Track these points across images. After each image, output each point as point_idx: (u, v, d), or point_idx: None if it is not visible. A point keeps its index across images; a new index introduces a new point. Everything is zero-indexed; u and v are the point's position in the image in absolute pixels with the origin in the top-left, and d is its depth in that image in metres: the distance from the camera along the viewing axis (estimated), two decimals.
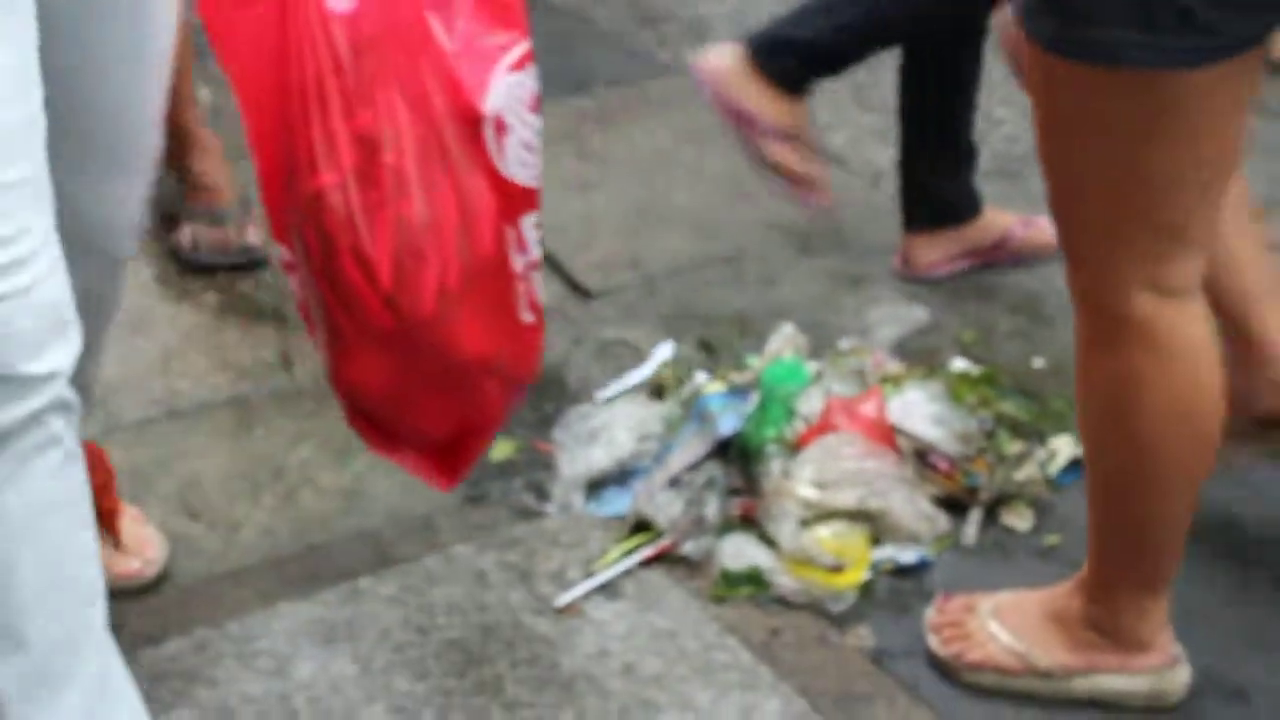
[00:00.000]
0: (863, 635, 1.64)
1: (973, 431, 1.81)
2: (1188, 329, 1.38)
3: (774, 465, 1.74)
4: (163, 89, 1.45)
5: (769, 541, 1.70)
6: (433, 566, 1.72)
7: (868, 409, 1.80)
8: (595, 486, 1.81)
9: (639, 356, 2.02)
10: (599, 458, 1.80)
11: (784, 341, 1.94)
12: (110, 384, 1.89)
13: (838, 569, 1.68)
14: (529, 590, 1.68)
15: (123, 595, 1.60)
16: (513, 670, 1.59)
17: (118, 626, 1.27)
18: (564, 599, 1.67)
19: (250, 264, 2.20)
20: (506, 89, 1.33)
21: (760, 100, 2.03)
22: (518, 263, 1.39)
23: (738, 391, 1.82)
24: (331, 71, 1.30)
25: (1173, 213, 1.34)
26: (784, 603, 1.67)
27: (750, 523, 1.73)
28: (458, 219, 1.34)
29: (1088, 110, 1.31)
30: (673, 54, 2.85)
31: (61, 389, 1.16)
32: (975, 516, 1.78)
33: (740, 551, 1.69)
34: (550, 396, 1.94)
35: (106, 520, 1.61)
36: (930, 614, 1.61)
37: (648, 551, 1.72)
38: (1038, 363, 2.02)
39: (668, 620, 1.65)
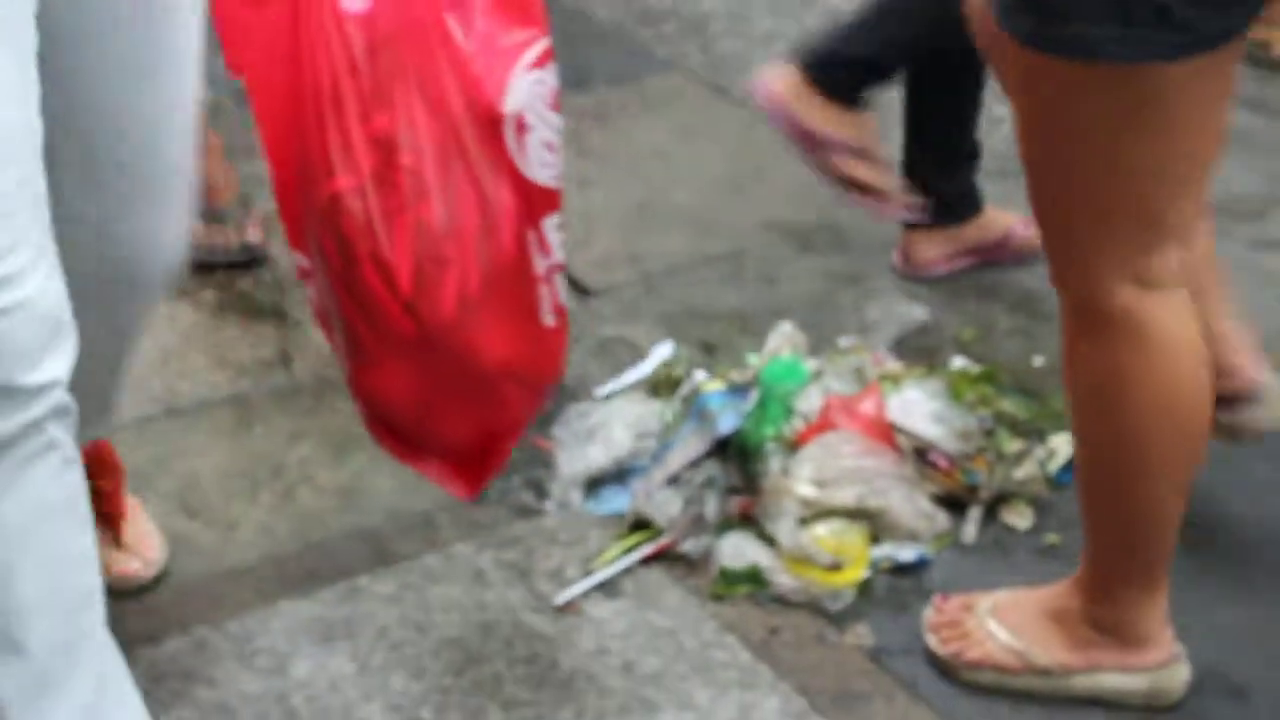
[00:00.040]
0: (861, 634, 1.64)
1: (972, 430, 1.81)
2: (1171, 321, 1.39)
3: (773, 463, 1.73)
4: (190, 114, 1.38)
5: (768, 540, 1.70)
6: (431, 565, 1.71)
7: (867, 407, 1.80)
8: (594, 484, 1.80)
9: (638, 354, 2.02)
10: (598, 456, 1.80)
11: (783, 340, 1.94)
12: None
13: (836, 567, 1.68)
14: (528, 588, 1.68)
15: (121, 594, 1.60)
16: (511, 668, 1.59)
17: (116, 625, 1.27)
18: (563, 597, 1.66)
19: (249, 262, 2.20)
20: (527, 87, 1.30)
21: (822, 117, 2.03)
22: (540, 265, 1.36)
23: (737, 390, 1.82)
24: (347, 73, 1.27)
25: (1153, 206, 1.34)
26: (783, 601, 1.67)
27: (749, 521, 1.73)
28: (478, 222, 1.31)
29: (1067, 105, 1.31)
30: (672, 51, 2.85)
31: (59, 396, 1.15)
32: (975, 515, 1.78)
33: (739, 550, 1.69)
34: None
35: (110, 519, 1.61)
36: (928, 614, 1.61)
37: (646, 550, 1.72)
38: (1037, 361, 2.02)
39: (666, 618, 1.65)
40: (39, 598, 1.17)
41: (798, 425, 1.78)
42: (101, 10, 1.29)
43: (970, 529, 1.77)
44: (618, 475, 1.80)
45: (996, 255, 2.20)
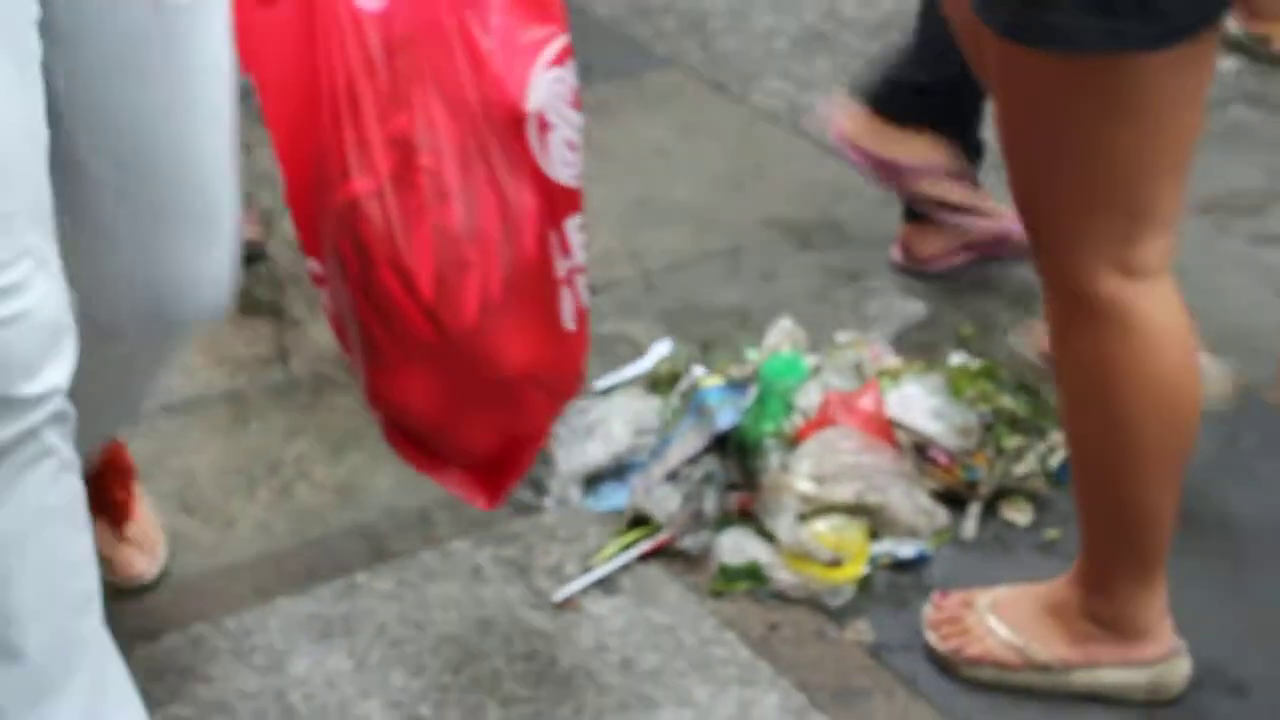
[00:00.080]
0: (861, 630, 1.63)
1: (972, 425, 1.80)
2: (1157, 309, 1.39)
3: (772, 459, 1.73)
4: (226, 133, 1.30)
5: (767, 536, 1.69)
6: (429, 561, 1.71)
7: (866, 403, 1.79)
8: (593, 481, 1.80)
9: (637, 350, 2.02)
10: (596, 452, 1.80)
11: (782, 335, 1.93)
12: None
13: (836, 563, 1.67)
14: (526, 585, 1.68)
15: (120, 592, 1.59)
16: (509, 665, 1.58)
17: (113, 622, 1.26)
18: (561, 594, 1.66)
19: (247, 259, 2.18)
20: (547, 85, 1.27)
21: (897, 145, 2.04)
22: (561, 268, 1.33)
23: (735, 385, 1.81)
24: (364, 73, 1.23)
25: (1136, 194, 1.34)
26: (782, 597, 1.66)
27: (748, 517, 1.72)
28: (500, 224, 1.28)
29: (1046, 96, 1.31)
30: (671, 48, 2.84)
31: (58, 403, 1.15)
32: (974, 511, 1.77)
33: (738, 546, 1.69)
34: None
35: (118, 519, 1.61)
36: (928, 611, 1.61)
37: (645, 546, 1.72)
38: None
39: (665, 615, 1.64)
40: (36, 603, 1.17)
41: (797, 421, 1.78)
42: (122, 27, 1.23)
43: (970, 525, 1.76)
44: (617, 471, 1.80)
45: (997, 250, 2.19)
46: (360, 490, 1.82)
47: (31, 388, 1.12)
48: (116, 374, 1.41)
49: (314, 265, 1.35)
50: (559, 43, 1.29)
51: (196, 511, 1.78)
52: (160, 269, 1.31)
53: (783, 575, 1.66)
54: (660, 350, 2.00)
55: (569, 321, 1.36)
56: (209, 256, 1.32)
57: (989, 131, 2.25)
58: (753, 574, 1.67)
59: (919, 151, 2.05)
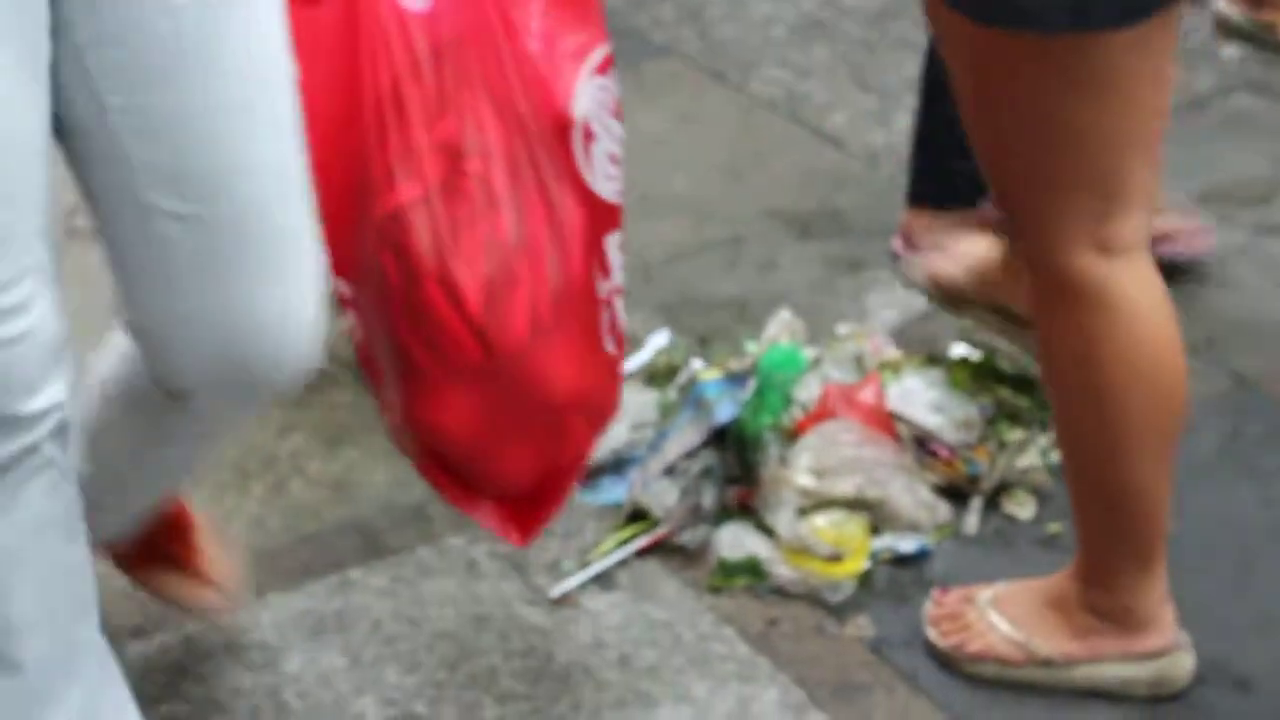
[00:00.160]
0: (861, 625, 1.62)
1: (973, 418, 1.79)
2: (1136, 286, 1.38)
3: (771, 453, 1.72)
4: (297, 156, 1.16)
5: (766, 530, 1.68)
6: (425, 557, 1.70)
7: (866, 396, 1.78)
8: (590, 475, 1.78)
9: (635, 343, 2.00)
10: None
11: (781, 327, 1.92)
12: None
13: (836, 558, 1.66)
14: (523, 581, 1.67)
15: (112, 590, 1.58)
16: (506, 662, 1.57)
17: (105, 620, 1.25)
18: (558, 589, 1.65)
19: None
20: (592, 93, 1.23)
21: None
22: (603, 287, 1.28)
23: (734, 378, 1.80)
24: (410, 76, 1.17)
25: (1107, 172, 1.34)
26: (781, 593, 1.65)
27: (747, 511, 1.71)
28: (549, 237, 1.22)
29: (1011, 76, 1.31)
30: (669, 37, 2.82)
31: (59, 417, 1.13)
32: (976, 505, 1.76)
33: (737, 541, 1.68)
34: None
35: (177, 564, 1.52)
36: (928, 607, 1.60)
37: (643, 541, 1.70)
38: None
39: (664, 611, 1.63)
40: (33, 613, 1.16)
41: (796, 414, 1.77)
42: (141, 28, 1.12)
43: (971, 519, 1.75)
44: (614, 465, 1.79)
45: None
46: (355, 486, 1.80)
47: (33, 405, 1.10)
48: (183, 445, 1.34)
49: (342, 287, 1.26)
50: (601, 50, 1.25)
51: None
52: (228, 305, 1.16)
53: (782, 570, 1.65)
54: (658, 343, 1.99)
55: (609, 344, 1.31)
56: (283, 291, 1.16)
57: None
58: (752, 569, 1.66)
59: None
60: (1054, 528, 1.74)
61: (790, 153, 2.48)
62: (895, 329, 2.02)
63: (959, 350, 1.93)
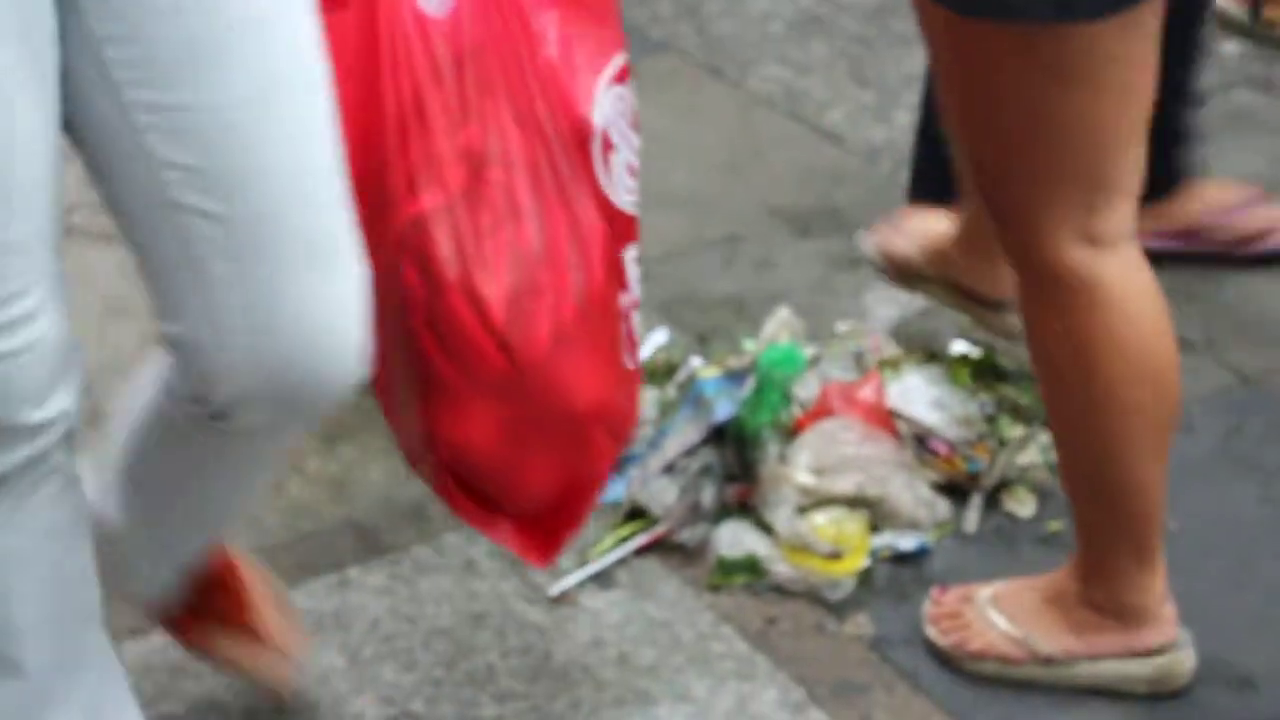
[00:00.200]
0: (861, 623, 1.62)
1: (973, 416, 1.78)
2: (1126, 276, 1.38)
3: (770, 451, 1.71)
4: (334, 153, 1.12)
5: (765, 529, 1.68)
6: (422, 556, 1.69)
7: (865, 393, 1.78)
8: None
9: None
10: None
11: (780, 325, 1.92)
12: (90, 371, 1.86)
13: (835, 556, 1.65)
14: (521, 579, 1.66)
15: (108, 587, 1.57)
16: (504, 660, 1.57)
17: (102, 619, 1.25)
18: (557, 588, 1.64)
19: None
20: (611, 102, 1.21)
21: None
22: (621, 300, 1.26)
23: (733, 376, 1.80)
24: (431, 82, 1.15)
25: (1092, 163, 1.34)
26: (781, 591, 1.65)
27: (746, 509, 1.70)
28: (571, 246, 1.20)
29: (994, 67, 1.31)
30: (667, 32, 2.82)
31: (66, 425, 1.12)
32: (976, 502, 1.76)
33: (736, 539, 1.67)
34: None
35: (229, 621, 1.45)
36: (927, 606, 1.59)
37: (642, 539, 1.70)
38: None
39: (663, 609, 1.63)
40: (38, 618, 1.16)
41: (795, 412, 1.76)
42: (192, 32, 1.08)
43: (971, 517, 1.75)
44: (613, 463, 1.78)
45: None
46: (353, 484, 1.80)
47: (41, 414, 1.09)
48: (226, 475, 1.28)
49: None
50: (620, 59, 1.24)
51: None
52: (263, 306, 1.11)
53: (781, 568, 1.65)
54: (656, 340, 1.98)
55: (627, 359, 1.29)
56: (322, 292, 1.11)
57: None
58: (751, 567, 1.66)
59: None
60: (1054, 525, 1.74)
61: (789, 149, 2.47)
62: (894, 326, 2.02)
63: (959, 347, 1.93)
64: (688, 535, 1.70)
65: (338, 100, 1.13)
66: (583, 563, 1.67)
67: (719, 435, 1.75)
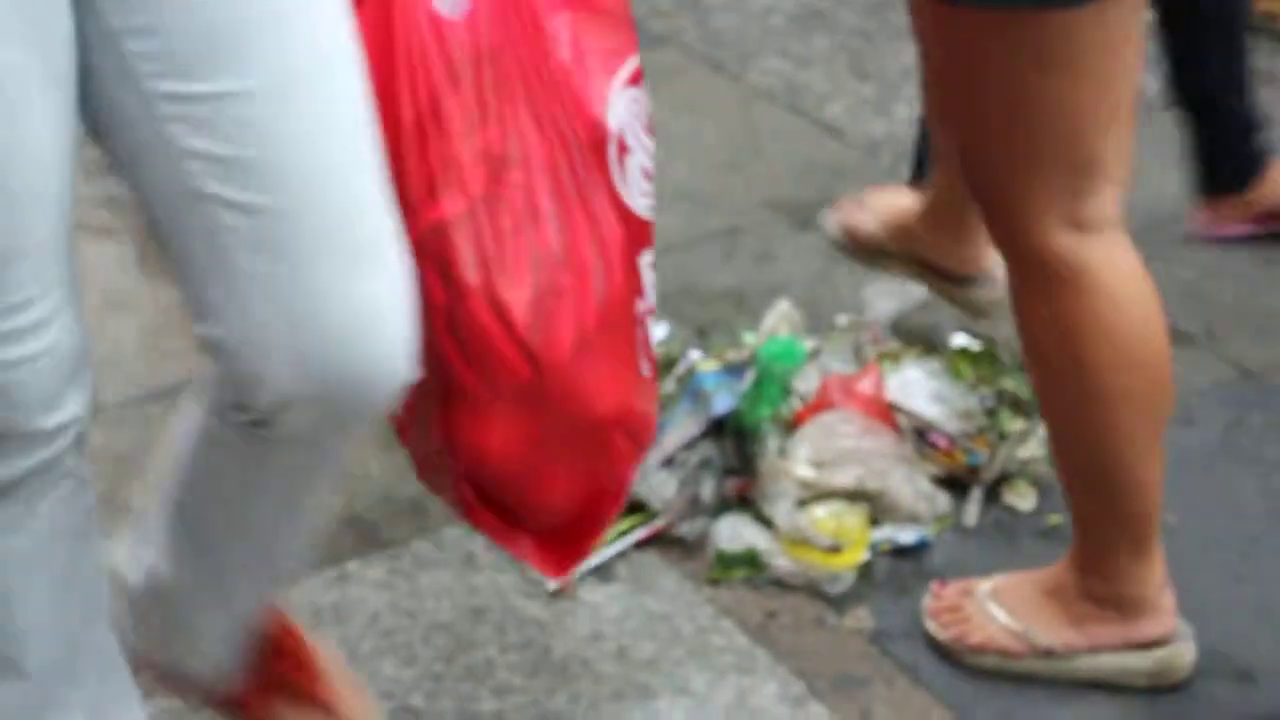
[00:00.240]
0: (861, 617, 1.62)
1: (973, 409, 1.78)
2: (1114, 262, 1.38)
3: (770, 444, 1.71)
4: (362, 136, 1.07)
5: (765, 522, 1.67)
6: (422, 550, 1.69)
7: (865, 386, 1.77)
8: None
9: None
10: None
11: (780, 318, 1.91)
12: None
13: (835, 550, 1.65)
14: (520, 573, 1.66)
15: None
16: (503, 654, 1.56)
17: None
18: (556, 582, 1.64)
19: None
20: (625, 105, 1.20)
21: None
22: (638, 306, 1.25)
23: (733, 369, 1.79)
24: (449, 85, 1.13)
25: (1077, 150, 1.34)
26: (780, 584, 1.64)
27: (746, 503, 1.70)
28: (592, 249, 1.19)
29: (979, 54, 1.32)
30: (668, 26, 2.81)
31: (78, 430, 1.11)
32: (976, 496, 1.75)
33: (736, 532, 1.67)
34: None
35: (310, 695, 1.37)
36: (927, 600, 1.59)
37: (642, 533, 1.70)
38: None
39: (662, 603, 1.62)
40: (44, 620, 1.15)
41: (795, 405, 1.76)
42: (211, 21, 1.04)
43: (971, 510, 1.74)
44: None
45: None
46: (352, 478, 1.79)
47: (54, 419, 1.08)
48: (277, 494, 1.21)
49: None
50: (633, 61, 1.22)
51: None
52: (302, 299, 1.06)
53: (781, 562, 1.64)
54: (656, 334, 1.97)
55: (644, 366, 1.27)
56: (362, 284, 1.07)
57: None
58: (750, 561, 1.65)
59: None
60: (1054, 519, 1.73)
61: (789, 142, 2.47)
62: (894, 319, 2.01)
63: (959, 340, 1.92)
64: (687, 529, 1.69)
65: None
66: None
67: (718, 428, 1.74)
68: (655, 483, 1.71)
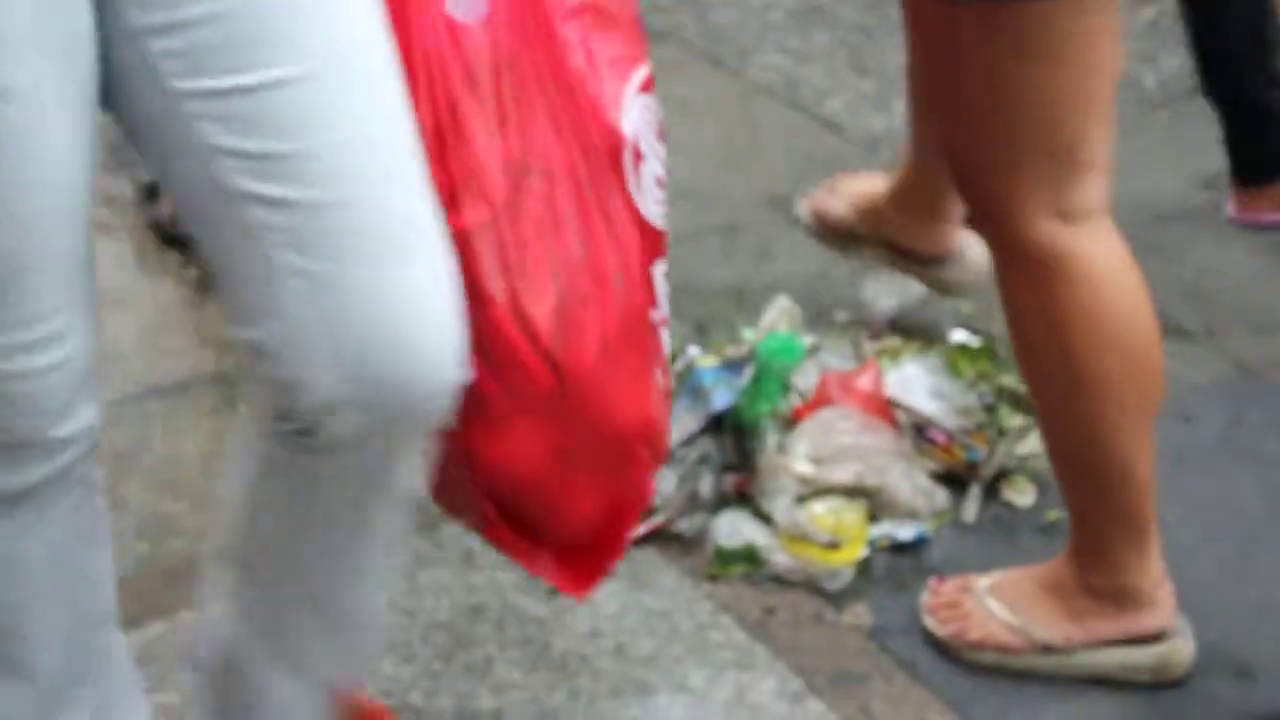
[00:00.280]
0: (860, 613, 1.61)
1: (972, 405, 1.78)
2: (1099, 251, 1.38)
3: (769, 440, 1.71)
4: (408, 134, 1.05)
5: (764, 518, 1.67)
6: (420, 547, 1.69)
7: (864, 382, 1.77)
8: None
9: None
10: None
11: (779, 314, 1.91)
12: None
13: (834, 546, 1.65)
14: (519, 570, 1.65)
15: None
16: (502, 652, 1.56)
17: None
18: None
19: None
20: (638, 112, 1.19)
21: None
22: (654, 315, 1.23)
23: (732, 365, 1.79)
24: (468, 92, 1.12)
25: (1059, 136, 1.35)
26: (779, 581, 1.64)
27: (745, 499, 1.70)
28: (613, 257, 1.17)
29: (960, 45, 1.33)
30: (667, 22, 2.81)
31: (91, 437, 1.10)
32: (975, 492, 1.75)
33: (735, 529, 1.67)
34: None
35: None
36: (926, 596, 1.59)
37: (640, 529, 1.69)
38: None
39: (661, 599, 1.62)
40: (51, 623, 1.15)
41: (794, 401, 1.76)
42: (234, 15, 1.01)
43: (970, 506, 1.74)
44: None
45: None
46: None
47: (67, 429, 1.08)
48: (339, 521, 1.15)
49: None
50: (644, 68, 1.21)
51: (183, 496, 1.76)
52: (340, 295, 1.02)
53: (780, 558, 1.64)
54: None
55: (660, 376, 1.26)
56: (401, 278, 1.03)
57: None
58: (749, 557, 1.65)
59: None
60: (1053, 515, 1.73)
61: (788, 138, 2.47)
62: (893, 315, 2.01)
63: (958, 336, 1.92)
64: (686, 525, 1.69)
65: None
66: None
67: (717, 424, 1.74)
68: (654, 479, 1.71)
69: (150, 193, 2.20)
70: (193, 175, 1.04)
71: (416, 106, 1.11)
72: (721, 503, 1.70)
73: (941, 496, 1.73)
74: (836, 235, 1.99)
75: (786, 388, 1.77)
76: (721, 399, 1.74)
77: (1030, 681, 1.53)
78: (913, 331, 1.96)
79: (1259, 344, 1.99)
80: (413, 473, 1.15)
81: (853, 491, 1.69)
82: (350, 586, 1.21)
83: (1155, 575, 1.49)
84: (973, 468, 1.76)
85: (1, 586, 1.13)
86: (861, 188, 1.96)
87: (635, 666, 1.55)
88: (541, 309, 1.15)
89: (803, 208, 2.02)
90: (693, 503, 1.70)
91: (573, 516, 1.27)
